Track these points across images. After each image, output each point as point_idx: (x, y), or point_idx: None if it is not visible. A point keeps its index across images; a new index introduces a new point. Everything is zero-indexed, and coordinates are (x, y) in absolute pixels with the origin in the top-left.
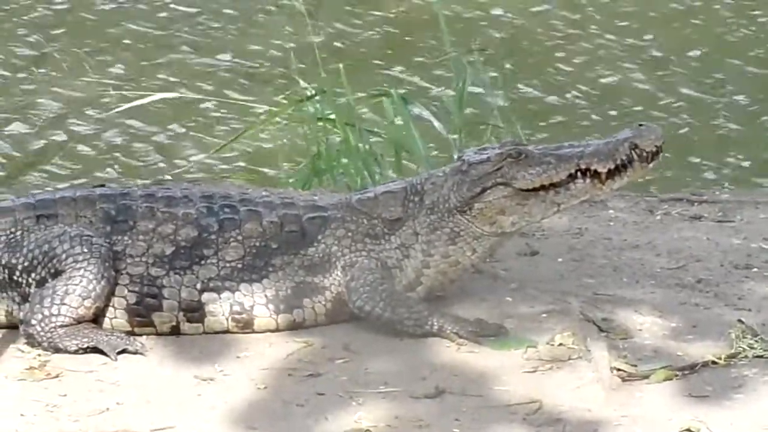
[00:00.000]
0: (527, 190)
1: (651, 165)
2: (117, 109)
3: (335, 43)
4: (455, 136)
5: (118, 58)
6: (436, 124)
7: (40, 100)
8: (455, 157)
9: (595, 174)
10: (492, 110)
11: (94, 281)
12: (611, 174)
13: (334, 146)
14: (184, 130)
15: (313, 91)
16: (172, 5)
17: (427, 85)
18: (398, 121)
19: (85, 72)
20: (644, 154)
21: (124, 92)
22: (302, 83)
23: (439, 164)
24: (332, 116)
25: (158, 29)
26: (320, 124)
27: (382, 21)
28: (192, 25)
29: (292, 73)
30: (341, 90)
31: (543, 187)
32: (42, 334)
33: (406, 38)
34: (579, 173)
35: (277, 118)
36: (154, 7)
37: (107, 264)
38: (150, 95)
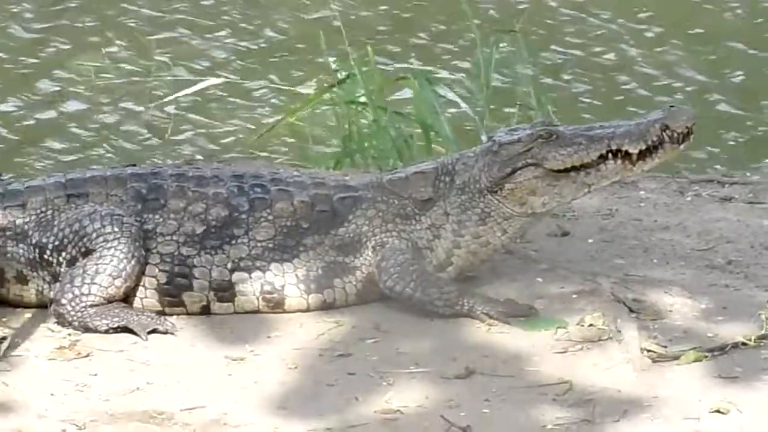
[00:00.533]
0: (558, 171)
1: (682, 146)
2: (167, 99)
3: (352, 21)
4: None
5: (121, 40)
6: (463, 105)
7: (42, 79)
8: (483, 138)
9: (626, 155)
10: (526, 89)
11: (125, 260)
12: (642, 155)
13: (363, 127)
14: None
15: (344, 74)
16: None
17: (451, 64)
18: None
19: (89, 51)
20: (675, 135)
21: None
22: (333, 66)
23: (466, 145)
24: (363, 99)
25: (159, 10)
26: (351, 106)
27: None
28: (196, 4)
29: (324, 56)
30: (365, 69)
31: (574, 168)
32: (72, 313)
33: (421, 17)
34: (610, 154)
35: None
36: None
37: (137, 243)
38: (202, 80)
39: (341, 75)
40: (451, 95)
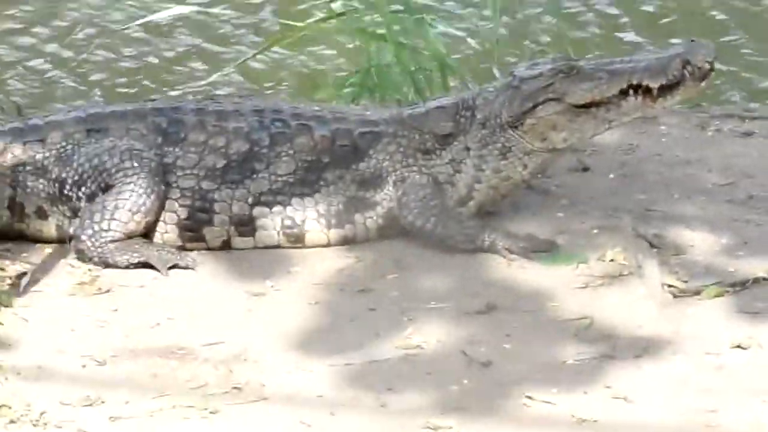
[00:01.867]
0: (579, 106)
1: (703, 83)
2: (132, 24)
3: None
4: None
5: None
6: (471, 42)
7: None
8: (496, 72)
9: (647, 91)
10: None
11: (144, 196)
12: (663, 91)
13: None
14: (200, 45)
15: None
16: None
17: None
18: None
19: None
20: (696, 70)
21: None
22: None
23: (479, 83)
24: (381, 31)
25: None
26: (366, 39)
27: None
28: None
29: None
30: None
31: (594, 104)
32: (92, 249)
33: None
34: (631, 90)
35: (324, 25)
36: None
37: (157, 179)
38: (167, 8)
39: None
40: (453, 30)
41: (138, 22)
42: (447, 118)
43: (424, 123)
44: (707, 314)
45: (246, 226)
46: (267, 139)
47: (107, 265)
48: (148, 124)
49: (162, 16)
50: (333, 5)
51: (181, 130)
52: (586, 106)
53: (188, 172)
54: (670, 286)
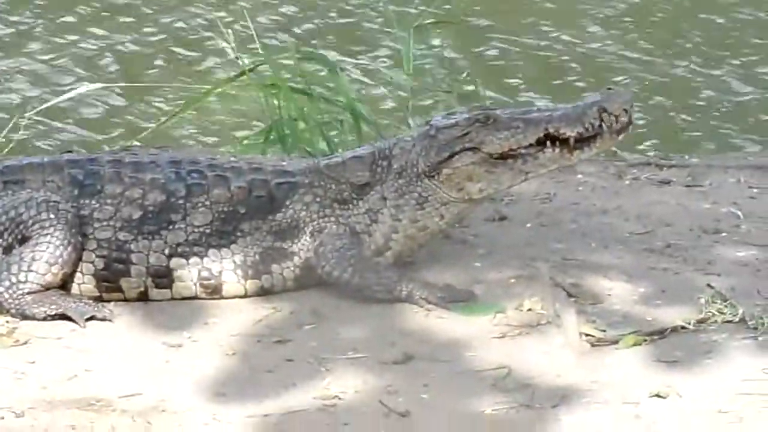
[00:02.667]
0: (496, 158)
1: (620, 136)
2: (37, 109)
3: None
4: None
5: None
6: (383, 89)
7: None
8: (411, 122)
9: (564, 142)
10: (443, 77)
11: (61, 247)
12: (580, 142)
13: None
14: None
15: (248, 62)
16: None
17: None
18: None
19: None
20: (613, 120)
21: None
22: (238, 55)
23: (393, 132)
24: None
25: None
26: (273, 92)
27: None
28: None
29: (225, 44)
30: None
31: (511, 155)
32: (10, 301)
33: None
34: (548, 142)
35: (234, 84)
36: None
37: (74, 230)
38: (74, 88)
39: (243, 63)
40: (364, 79)
41: (44, 106)
42: (363, 168)
43: (340, 173)
44: (625, 363)
45: (163, 277)
46: (183, 190)
47: (25, 317)
48: (64, 176)
49: (67, 96)
50: (240, 62)
51: (97, 182)
52: (503, 157)
53: (105, 223)
54: (587, 335)
